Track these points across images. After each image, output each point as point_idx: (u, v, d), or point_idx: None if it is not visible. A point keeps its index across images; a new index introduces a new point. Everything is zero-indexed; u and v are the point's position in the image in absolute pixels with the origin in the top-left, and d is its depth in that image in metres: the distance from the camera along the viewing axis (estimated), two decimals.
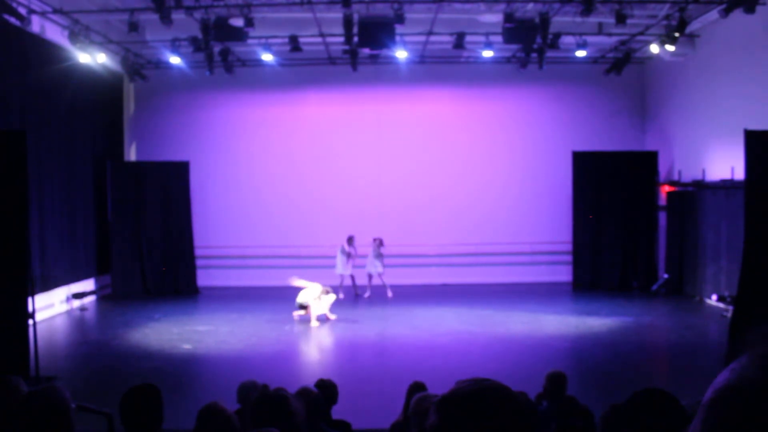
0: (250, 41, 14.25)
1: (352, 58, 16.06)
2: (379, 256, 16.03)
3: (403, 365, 10.04)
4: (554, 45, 14.75)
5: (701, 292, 15.14)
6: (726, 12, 12.31)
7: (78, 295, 15.20)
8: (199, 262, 17.76)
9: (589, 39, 15.51)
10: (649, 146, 18.15)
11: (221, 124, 18.55)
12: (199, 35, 13.83)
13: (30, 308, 9.12)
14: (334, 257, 16.28)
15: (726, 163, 13.70)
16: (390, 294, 16.03)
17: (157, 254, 17.25)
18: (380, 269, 16.01)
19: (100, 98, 16.76)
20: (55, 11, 13.26)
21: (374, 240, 16.11)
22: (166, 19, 12.38)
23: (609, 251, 17.31)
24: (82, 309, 15.10)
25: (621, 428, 3.17)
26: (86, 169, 16.20)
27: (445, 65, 18.05)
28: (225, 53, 15.85)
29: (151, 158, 18.13)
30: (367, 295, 16.17)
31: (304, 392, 4.27)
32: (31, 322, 9.09)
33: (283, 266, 17.64)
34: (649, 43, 15.43)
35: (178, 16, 13.02)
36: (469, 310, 14.50)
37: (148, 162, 17.85)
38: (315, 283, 13.37)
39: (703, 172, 15.06)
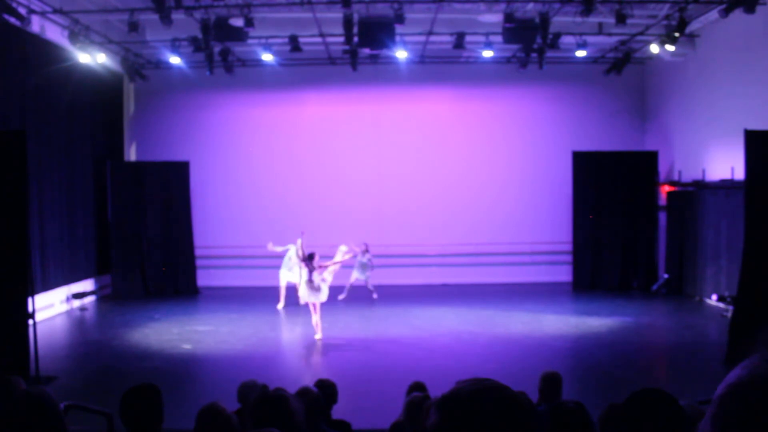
0: (250, 41, 14.25)
1: (352, 58, 16.06)
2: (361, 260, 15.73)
3: (403, 365, 10.04)
4: (554, 45, 14.75)
5: (701, 292, 15.14)
6: (726, 12, 12.31)
7: (78, 295, 15.20)
8: (199, 262, 17.76)
9: (589, 39, 15.51)
10: (649, 146, 18.15)
11: (221, 124, 18.55)
12: (199, 35, 13.84)
13: (30, 308, 9.12)
14: (332, 257, 16.24)
15: (726, 163, 13.70)
16: (374, 296, 15.85)
17: (157, 254, 17.24)
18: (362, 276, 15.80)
19: (100, 98, 16.76)
20: (55, 11, 13.26)
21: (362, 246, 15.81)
22: (166, 19, 12.38)
23: (609, 251, 17.31)
24: (82, 309, 15.10)
25: (619, 428, 3.17)
26: (86, 169, 16.19)
27: (445, 65, 18.05)
28: (225, 53, 15.85)
29: (151, 158, 18.13)
30: (375, 296, 16.01)
31: (304, 392, 4.28)
32: (31, 322, 9.09)
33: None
34: (649, 43, 15.43)
35: (178, 16, 13.01)
36: (469, 310, 14.51)
37: (148, 162, 17.85)
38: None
39: (703, 172, 15.06)
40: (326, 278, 11.92)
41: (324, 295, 11.76)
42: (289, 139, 18.53)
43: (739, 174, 11.86)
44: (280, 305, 14.80)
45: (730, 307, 11.69)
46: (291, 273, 14.75)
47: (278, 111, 18.62)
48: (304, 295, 11.88)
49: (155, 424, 3.48)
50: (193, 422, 3.49)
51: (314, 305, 11.78)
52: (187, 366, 10.48)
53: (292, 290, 14.91)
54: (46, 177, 14.15)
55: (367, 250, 15.71)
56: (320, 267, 11.71)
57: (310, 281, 11.64)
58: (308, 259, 11.68)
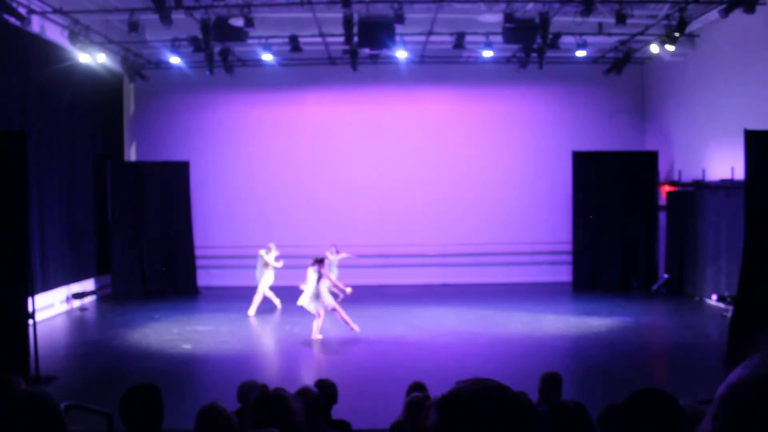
0: (250, 41, 14.25)
1: (352, 58, 16.07)
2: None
3: (403, 365, 10.04)
4: (554, 45, 14.76)
5: (701, 292, 15.14)
6: (726, 12, 12.31)
7: (78, 295, 15.20)
8: (199, 262, 17.76)
9: (589, 39, 15.51)
10: (649, 146, 18.15)
11: (221, 124, 18.55)
12: (199, 35, 13.84)
13: (30, 308, 9.12)
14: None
15: (726, 163, 13.70)
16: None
17: (157, 254, 17.25)
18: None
19: (100, 98, 16.76)
20: (55, 11, 13.26)
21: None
22: (166, 19, 12.38)
23: (609, 251, 17.31)
24: (82, 309, 15.10)
25: (619, 428, 3.17)
26: (86, 169, 16.20)
27: (445, 65, 18.05)
28: (225, 53, 15.85)
29: (151, 158, 18.13)
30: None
31: (304, 392, 4.27)
32: (31, 322, 9.09)
33: (283, 266, 17.65)
34: (649, 43, 15.43)
35: (178, 16, 13.02)
36: (469, 310, 14.50)
37: (148, 162, 17.85)
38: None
39: (703, 172, 15.06)
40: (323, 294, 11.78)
41: (321, 305, 11.65)
42: (289, 139, 18.54)
43: (739, 174, 11.86)
44: (278, 305, 14.81)
45: (730, 307, 11.69)
46: (259, 276, 14.70)
47: (278, 111, 18.62)
48: (306, 302, 11.63)
49: (155, 424, 3.48)
50: (193, 422, 3.49)
51: (318, 312, 11.73)
52: (187, 366, 10.48)
53: (275, 289, 14.86)
54: (46, 177, 14.15)
55: (337, 251, 15.35)
56: (324, 276, 11.65)
57: (315, 287, 11.49)
58: (318, 263, 11.57)
